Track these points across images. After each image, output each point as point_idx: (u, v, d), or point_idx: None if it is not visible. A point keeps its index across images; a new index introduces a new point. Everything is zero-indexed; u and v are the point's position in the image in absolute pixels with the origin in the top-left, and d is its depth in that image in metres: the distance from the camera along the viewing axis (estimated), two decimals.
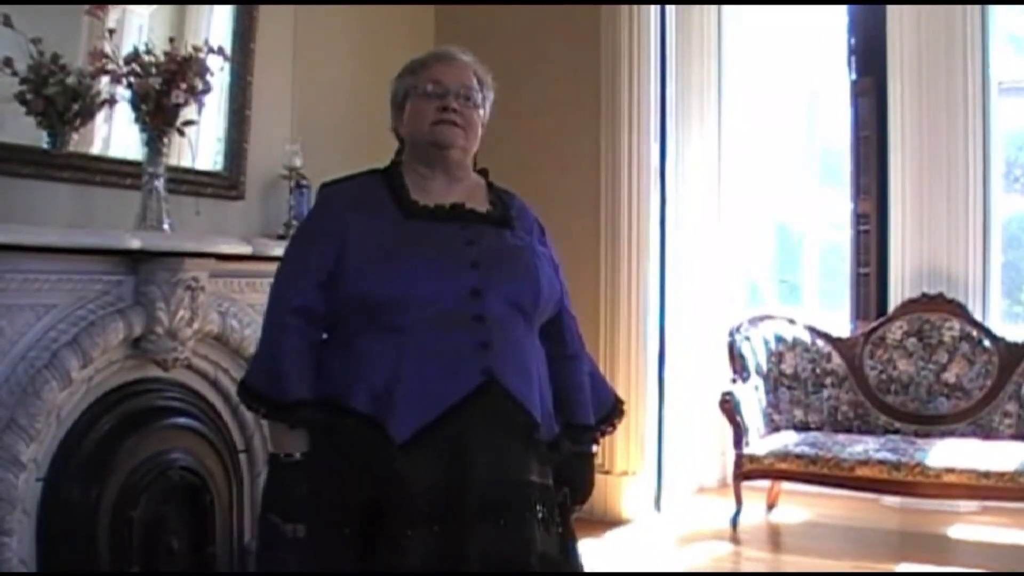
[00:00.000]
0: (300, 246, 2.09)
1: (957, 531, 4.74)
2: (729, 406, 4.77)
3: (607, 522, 4.78)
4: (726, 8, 5.76)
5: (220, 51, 3.47)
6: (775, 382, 5.14)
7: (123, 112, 3.34)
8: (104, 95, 3.30)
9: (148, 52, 3.29)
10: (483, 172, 2.22)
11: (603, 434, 2.25)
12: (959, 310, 5.01)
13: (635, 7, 5.02)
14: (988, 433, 4.78)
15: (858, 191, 5.44)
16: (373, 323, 1.96)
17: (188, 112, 3.37)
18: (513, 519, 1.93)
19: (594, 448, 2.24)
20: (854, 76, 5.43)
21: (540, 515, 1.97)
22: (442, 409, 1.91)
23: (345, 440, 1.94)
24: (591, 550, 2.31)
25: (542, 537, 1.97)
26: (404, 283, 1.94)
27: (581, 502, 2.21)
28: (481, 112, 2.14)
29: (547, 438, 2.04)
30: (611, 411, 2.26)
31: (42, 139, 3.19)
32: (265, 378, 2.00)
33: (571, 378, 2.18)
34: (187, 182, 3.68)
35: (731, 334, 5.11)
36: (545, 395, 2.08)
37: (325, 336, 2.05)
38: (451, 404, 1.91)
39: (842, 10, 5.48)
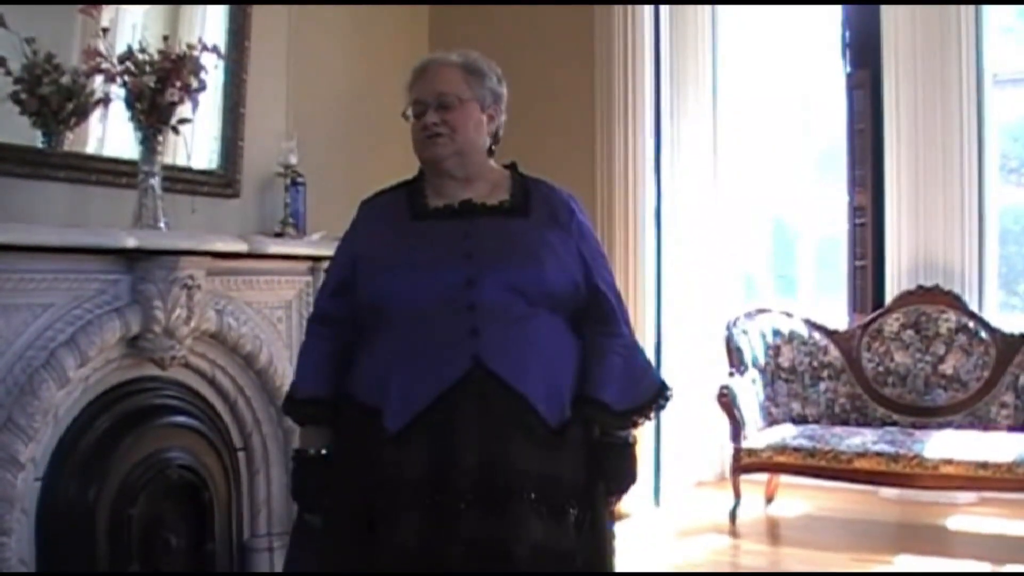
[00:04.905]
0: (330, 261, 2.29)
1: (955, 522, 4.75)
2: (727, 400, 4.78)
3: None
4: (720, 7, 5.76)
5: (215, 49, 3.46)
6: (772, 375, 5.14)
7: (118, 111, 3.34)
8: (98, 94, 3.30)
9: (142, 50, 3.29)
10: (510, 165, 2.26)
11: (634, 424, 2.18)
12: (955, 302, 5.02)
13: (629, 7, 5.01)
14: (985, 424, 4.79)
15: (854, 184, 5.45)
16: (380, 321, 2.06)
17: (183, 110, 3.36)
18: (500, 506, 1.93)
19: (626, 435, 2.18)
20: (849, 69, 5.43)
21: (538, 504, 1.96)
22: (432, 397, 1.96)
23: (347, 431, 2.08)
24: None
25: (544, 527, 1.96)
26: (399, 281, 2.03)
27: (613, 493, 2.17)
28: (473, 105, 2.14)
29: (556, 424, 2.02)
30: (647, 401, 2.19)
31: (37, 139, 3.19)
32: (292, 381, 2.25)
33: (597, 352, 2.14)
34: (183, 180, 3.68)
35: (728, 328, 5.11)
36: (558, 380, 2.05)
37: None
38: (440, 392, 1.96)
39: (836, 6, 5.47)
